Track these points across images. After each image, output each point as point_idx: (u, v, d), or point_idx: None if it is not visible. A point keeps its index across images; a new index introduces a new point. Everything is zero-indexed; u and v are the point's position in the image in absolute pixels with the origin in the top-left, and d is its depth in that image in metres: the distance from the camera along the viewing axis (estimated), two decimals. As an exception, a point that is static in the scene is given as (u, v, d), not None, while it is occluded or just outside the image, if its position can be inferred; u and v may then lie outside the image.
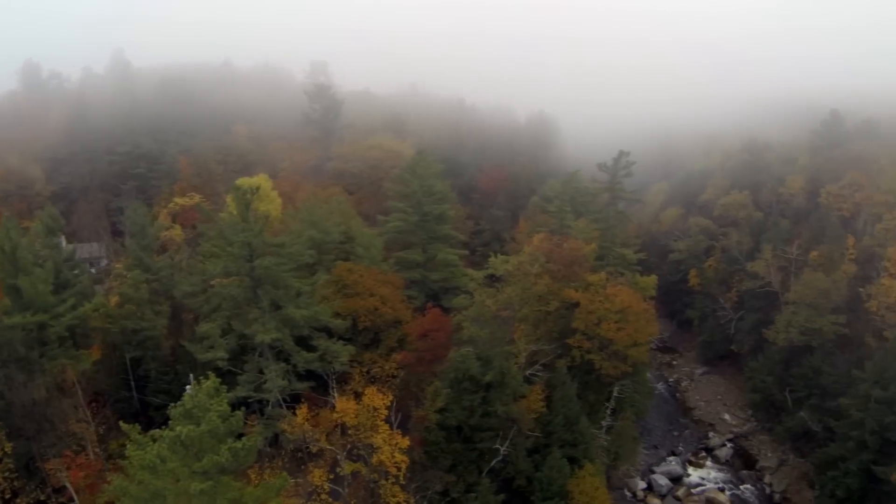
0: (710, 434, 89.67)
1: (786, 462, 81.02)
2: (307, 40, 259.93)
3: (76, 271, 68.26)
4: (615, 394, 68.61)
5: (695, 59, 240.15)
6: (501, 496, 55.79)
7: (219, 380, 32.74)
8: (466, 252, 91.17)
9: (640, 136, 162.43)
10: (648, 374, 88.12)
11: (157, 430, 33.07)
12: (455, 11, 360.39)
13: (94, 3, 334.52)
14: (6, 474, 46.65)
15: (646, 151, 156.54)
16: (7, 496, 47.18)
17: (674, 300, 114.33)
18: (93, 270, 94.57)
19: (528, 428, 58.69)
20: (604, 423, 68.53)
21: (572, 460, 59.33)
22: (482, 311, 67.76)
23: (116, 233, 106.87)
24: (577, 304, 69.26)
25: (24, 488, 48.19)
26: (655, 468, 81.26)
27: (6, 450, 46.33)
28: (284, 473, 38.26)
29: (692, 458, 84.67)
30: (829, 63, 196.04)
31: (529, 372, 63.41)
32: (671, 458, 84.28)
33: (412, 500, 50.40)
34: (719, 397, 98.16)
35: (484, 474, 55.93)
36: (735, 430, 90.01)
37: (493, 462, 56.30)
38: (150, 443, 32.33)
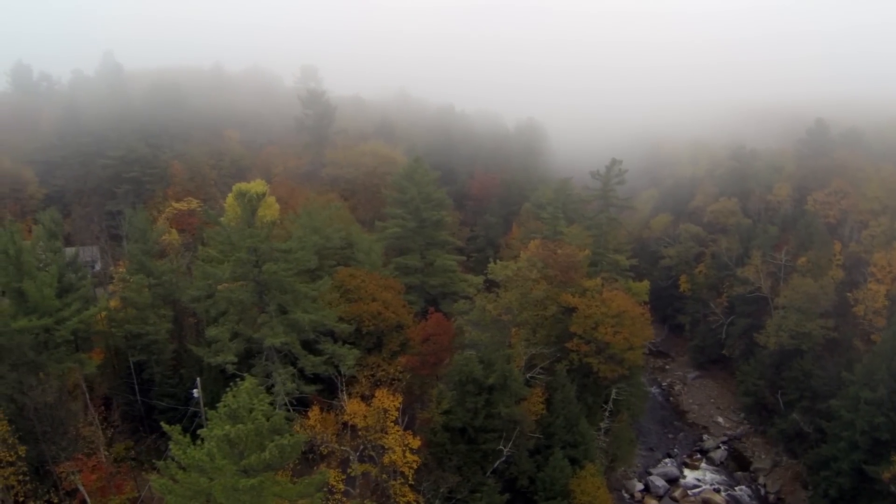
0: (705, 436, 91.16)
1: (779, 463, 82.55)
2: (295, 43, 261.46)
3: (79, 275, 68.64)
4: (613, 396, 69.82)
5: (682, 62, 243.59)
6: (505, 496, 56.75)
7: (256, 381, 33.62)
8: (463, 258, 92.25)
9: (627, 142, 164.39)
10: (642, 378, 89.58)
11: (204, 430, 34.06)
12: (441, 16, 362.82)
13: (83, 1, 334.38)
14: (20, 477, 46.65)
15: (634, 157, 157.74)
16: (20, 499, 47.31)
17: (665, 305, 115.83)
18: (85, 281, 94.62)
19: (529, 429, 59.67)
20: (602, 424, 69.74)
21: (573, 461, 60.36)
22: (482, 315, 68.79)
23: (112, 236, 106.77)
24: (574, 309, 70.48)
25: (36, 491, 48.31)
26: (652, 470, 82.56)
27: (20, 453, 46.43)
28: (325, 469, 39.26)
29: (687, 460, 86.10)
30: (814, 69, 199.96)
31: (529, 375, 64.49)
32: (667, 459, 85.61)
33: (421, 500, 51.31)
34: (712, 400, 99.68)
35: (488, 475, 56.90)
36: (728, 432, 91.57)
37: (497, 463, 57.19)
38: (190, 443, 33.36)
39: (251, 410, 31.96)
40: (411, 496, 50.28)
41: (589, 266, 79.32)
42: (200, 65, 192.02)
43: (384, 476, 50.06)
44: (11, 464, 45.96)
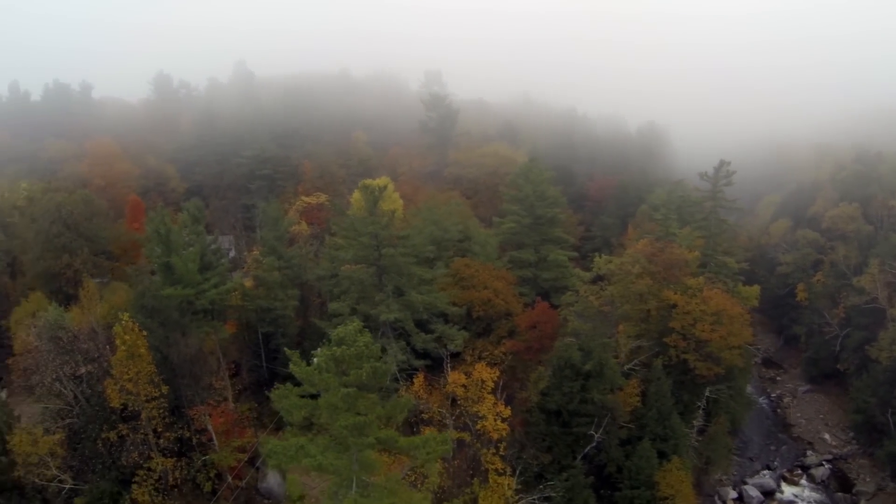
0: (808, 452, 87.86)
1: (884, 488, 78.30)
2: (420, 48, 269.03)
3: (217, 256, 76.72)
4: (707, 395, 70.52)
5: (807, 61, 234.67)
6: (591, 479, 59.16)
7: (361, 323, 40.69)
8: (576, 254, 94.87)
9: (751, 146, 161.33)
10: (749, 387, 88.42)
11: (315, 351, 41.49)
12: (564, 21, 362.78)
13: (217, 17, 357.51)
14: (161, 411, 56.00)
15: (756, 161, 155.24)
16: (159, 430, 56.69)
17: (781, 315, 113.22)
18: (223, 261, 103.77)
19: (622, 419, 61.87)
20: (695, 423, 70.52)
21: (662, 454, 61.81)
22: (586, 306, 71.52)
23: (246, 227, 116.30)
24: (675, 306, 71.89)
25: (172, 426, 57.79)
26: (748, 479, 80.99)
27: (163, 391, 55.29)
28: (408, 395, 44.64)
29: (787, 475, 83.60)
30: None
31: (628, 367, 66.58)
32: (765, 471, 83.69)
33: (508, 469, 54.83)
34: (821, 416, 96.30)
35: (578, 459, 59.59)
36: (834, 450, 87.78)
37: (588, 448, 59.79)
38: (304, 364, 40.61)
39: (355, 341, 38.47)
40: (500, 464, 53.98)
41: (698, 267, 79.96)
42: (328, 70, 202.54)
43: (477, 444, 54.04)
44: (155, 398, 55.10)
